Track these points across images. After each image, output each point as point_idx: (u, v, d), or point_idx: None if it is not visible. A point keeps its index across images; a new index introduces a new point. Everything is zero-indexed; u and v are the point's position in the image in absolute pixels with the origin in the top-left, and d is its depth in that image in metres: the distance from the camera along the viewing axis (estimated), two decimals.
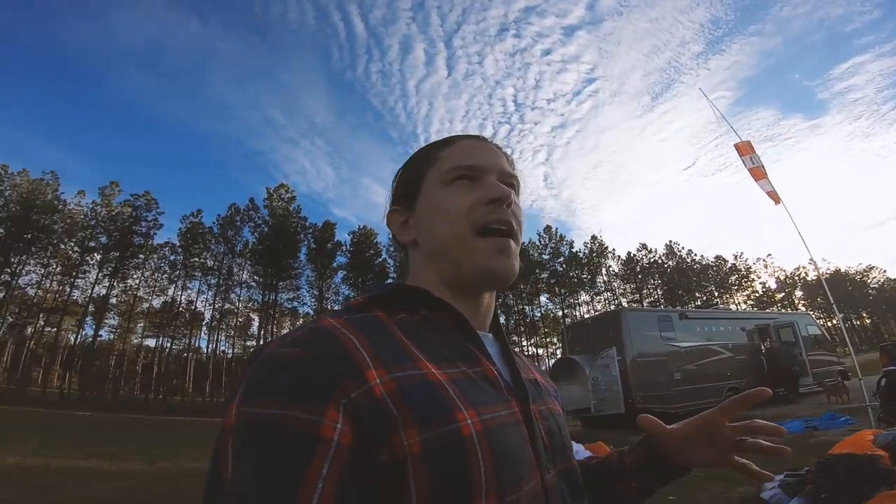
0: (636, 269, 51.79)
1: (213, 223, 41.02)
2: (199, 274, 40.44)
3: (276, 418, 0.35)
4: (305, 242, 43.00)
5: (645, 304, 47.18)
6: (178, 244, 40.11)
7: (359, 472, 0.36)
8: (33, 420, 15.86)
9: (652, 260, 52.90)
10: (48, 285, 38.75)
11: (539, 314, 47.83)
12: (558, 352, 42.45)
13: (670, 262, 53.15)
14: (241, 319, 42.94)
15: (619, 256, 52.52)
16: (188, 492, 5.23)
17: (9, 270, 36.42)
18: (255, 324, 40.78)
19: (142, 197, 40.18)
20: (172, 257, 40.32)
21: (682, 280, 51.22)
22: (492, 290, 0.59)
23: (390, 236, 0.67)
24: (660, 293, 51.21)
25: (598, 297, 49.57)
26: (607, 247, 51.86)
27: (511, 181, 0.60)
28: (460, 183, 0.56)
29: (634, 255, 52.60)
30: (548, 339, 47.15)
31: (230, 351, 43.82)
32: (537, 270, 47.22)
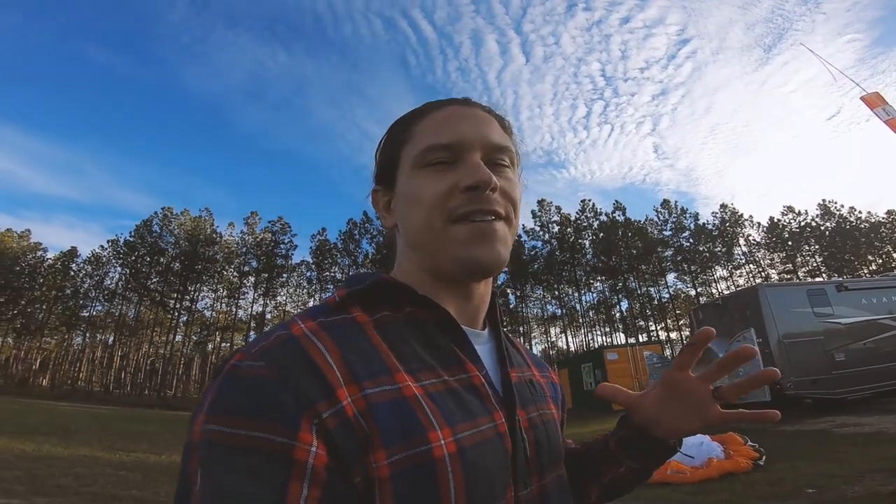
0: (783, 236, 44.84)
1: (337, 238, 44.97)
2: (332, 287, 44.68)
3: (246, 439, 0.34)
4: None
5: (800, 275, 40.78)
6: (311, 261, 44.80)
7: (337, 492, 0.34)
8: None
9: (803, 223, 45.34)
10: (219, 307, 46.03)
11: (668, 295, 44.03)
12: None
13: (827, 224, 44.98)
14: None
15: (758, 223, 45.97)
16: None
17: (188, 297, 44.04)
18: None
19: (277, 223, 45.62)
20: (309, 273, 45.19)
21: (847, 243, 43.02)
22: (477, 280, 0.52)
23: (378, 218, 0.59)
24: (818, 260, 43.76)
25: (738, 272, 44.04)
26: (741, 214, 45.71)
27: (501, 154, 0.52)
28: (435, 165, 0.49)
29: (778, 220, 45.57)
30: (681, 322, 43.31)
31: None
32: (659, 249, 43.47)
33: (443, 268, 0.49)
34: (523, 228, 45.33)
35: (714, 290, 41.46)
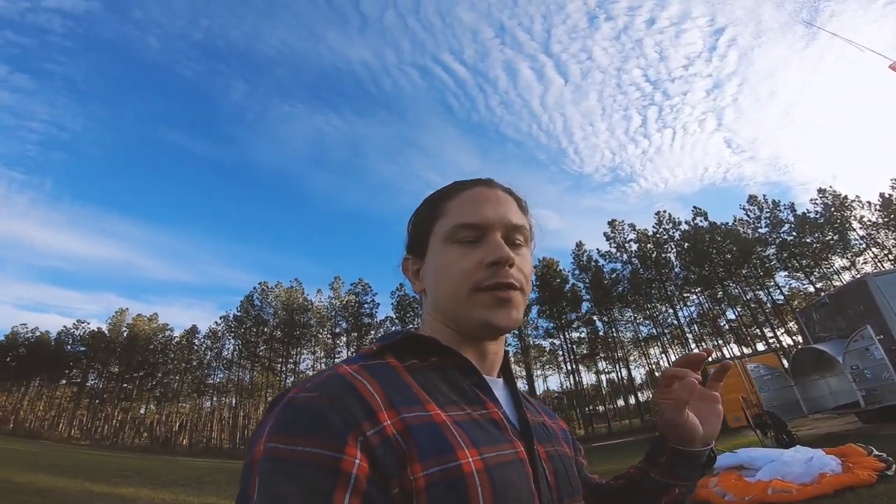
0: None
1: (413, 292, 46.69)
2: None
3: (301, 454, 0.39)
4: None
5: None
6: (394, 316, 46.89)
7: (377, 502, 0.39)
8: None
9: None
10: (318, 367, 49.42)
11: (782, 296, 38.97)
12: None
13: None
14: None
15: (867, 203, 39.79)
16: None
17: (291, 360, 47.98)
18: None
19: (358, 284, 48.93)
20: (393, 328, 47.16)
21: None
22: (493, 338, 0.60)
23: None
24: None
25: (859, 258, 37.95)
26: (845, 196, 39.99)
27: (517, 234, 0.60)
28: (463, 242, 0.58)
29: (890, 194, 39.11)
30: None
31: None
32: (758, 248, 39.17)
33: (465, 329, 0.57)
34: (598, 252, 43.82)
35: (838, 283, 36.03)
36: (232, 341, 50.63)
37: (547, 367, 47.47)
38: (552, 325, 42.69)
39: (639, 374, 45.58)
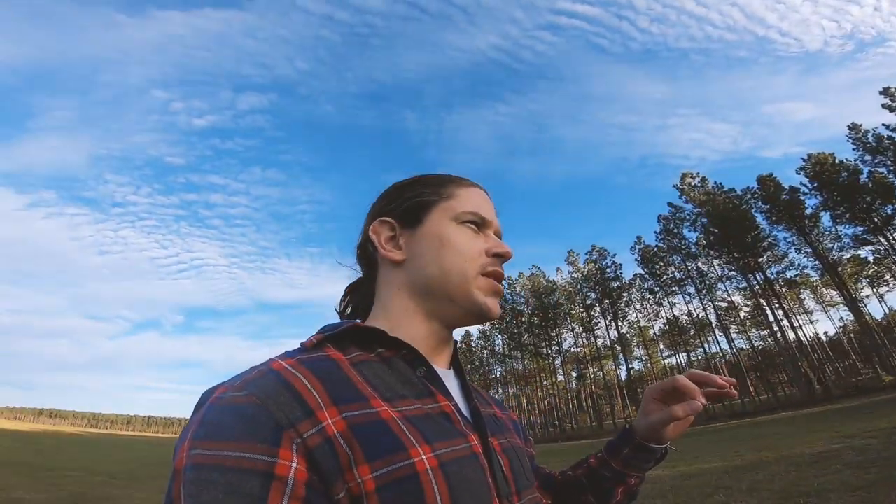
0: None
1: (656, 240, 44.14)
2: (676, 289, 43.23)
3: (229, 459, 0.35)
4: (756, 206, 38.69)
5: None
6: (643, 272, 45.24)
7: None
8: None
9: None
10: (581, 342, 51.58)
11: None
12: None
13: None
14: (747, 310, 41.14)
15: None
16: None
17: (555, 342, 51.46)
18: (767, 308, 37.72)
19: (594, 251, 49.18)
20: (647, 284, 45.51)
21: None
22: (471, 325, 0.60)
23: (363, 245, 0.64)
24: None
25: None
26: None
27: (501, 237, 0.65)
28: (470, 227, 0.59)
29: None
30: None
31: (748, 344, 42.18)
32: None
33: (455, 308, 0.56)
34: (887, 127, 32.48)
35: None
36: (499, 336, 57.80)
37: (880, 283, 37.34)
38: (861, 228, 33.59)
39: None
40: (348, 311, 0.66)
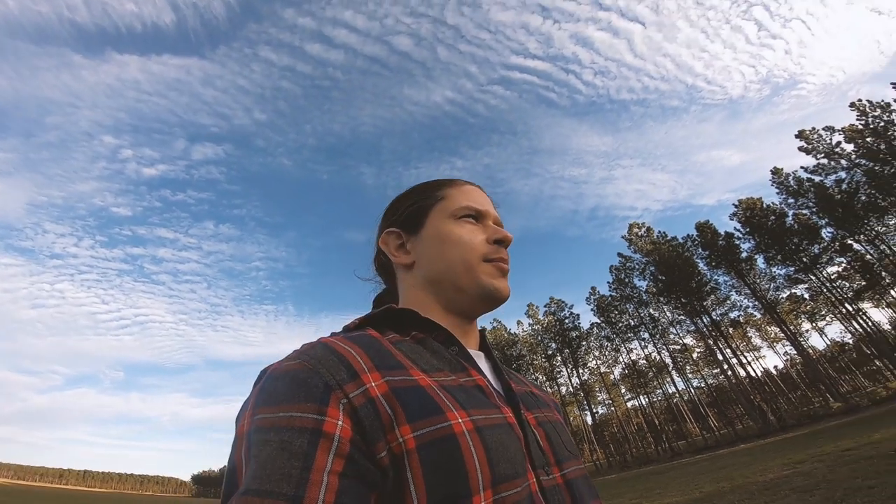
0: None
1: (609, 290, 45.17)
2: (632, 335, 43.99)
3: (283, 420, 0.38)
4: (696, 253, 40.41)
5: None
6: (599, 321, 45.92)
7: (360, 465, 0.38)
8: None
9: None
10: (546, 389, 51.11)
11: None
12: None
13: None
14: (699, 351, 42.39)
15: None
16: None
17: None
18: (716, 348, 38.83)
19: (551, 303, 49.81)
20: (603, 332, 46.13)
21: None
22: (487, 310, 0.63)
23: (377, 258, 0.71)
24: None
25: None
26: None
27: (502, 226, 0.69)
28: (468, 220, 0.64)
29: None
30: None
31: (703, 383, 43.01)
32: None
33: (465, 296, 0.61)
34: (805, 170, 35.12)
35: None
36: None
37: (818, 317, 39.21)
38: (791, 268, 35.52)
39: None
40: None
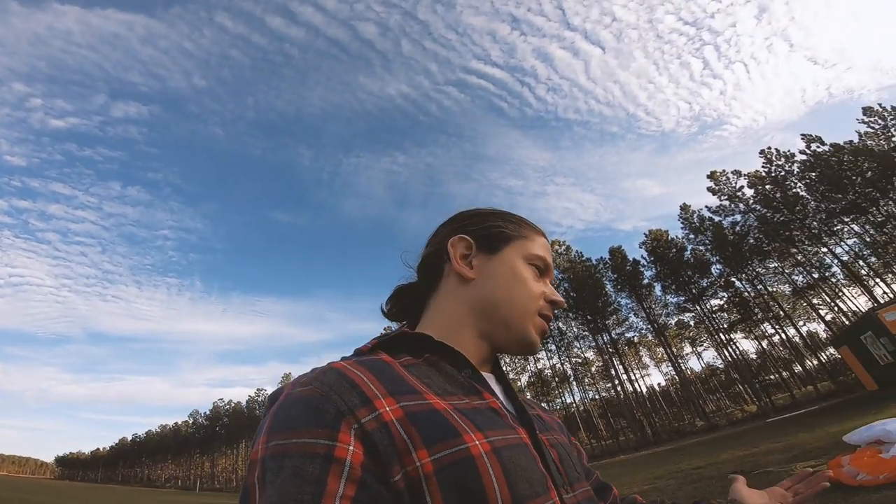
0: None
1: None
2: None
3: (295, 446, 0.39)
4: (606, 275, 43.77)
5: None
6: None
7: (372, 490, 0.38)
8: None
9: None
10: None
11: None
12: None
13: None
14: (597, 365, 45.55)
15: None
16: None
17: None
18: (611, 364, 42.37)
19: None
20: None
21: None
22: (515, 354, 0.65)
23: (434, 254, 0.67)
24: None
25: None
26: None
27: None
28: (535, 269, 0.65)
29: None
30: None
31: (597, 395, 46.68)
32: None
33: (508, 336, 0.61)
34: (708, 209, 39.74)
35: None
36: None
37: (698, 343, 44.05)
38: (682, 297, 39.82)
39: (819, 328, 39.60)
40: (395, 310, 0.69)
